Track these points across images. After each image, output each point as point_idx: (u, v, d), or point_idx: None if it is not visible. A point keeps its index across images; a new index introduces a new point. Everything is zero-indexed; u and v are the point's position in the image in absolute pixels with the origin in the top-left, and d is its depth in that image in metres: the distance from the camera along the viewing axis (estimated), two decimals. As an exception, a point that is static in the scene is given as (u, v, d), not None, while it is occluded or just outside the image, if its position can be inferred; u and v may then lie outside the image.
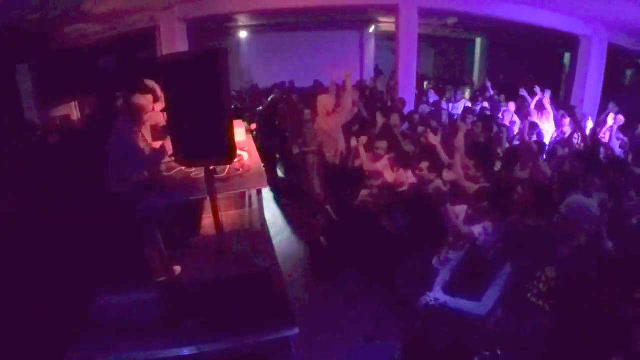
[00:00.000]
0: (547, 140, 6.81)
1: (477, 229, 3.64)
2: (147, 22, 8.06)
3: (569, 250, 2.72)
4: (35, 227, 4.61)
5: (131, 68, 9.81)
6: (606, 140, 6.44)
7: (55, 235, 4.59)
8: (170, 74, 2.86)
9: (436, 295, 3.29)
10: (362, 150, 5.69)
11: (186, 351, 2.60)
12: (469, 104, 9.38)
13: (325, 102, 5.98)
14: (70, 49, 8.11)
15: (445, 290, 3.34)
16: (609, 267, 2.76)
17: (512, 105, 7.93)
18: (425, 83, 11.47)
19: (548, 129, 7.21)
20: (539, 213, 3.56)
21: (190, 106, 2.83)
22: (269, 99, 9.92)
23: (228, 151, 2.90)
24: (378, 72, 12.72)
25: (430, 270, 3.73)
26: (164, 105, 4.81)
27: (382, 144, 5.55)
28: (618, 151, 6.16)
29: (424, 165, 4.46)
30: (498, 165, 5.31)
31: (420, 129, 6.54)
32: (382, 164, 5.43)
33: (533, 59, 12.09)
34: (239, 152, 3.93)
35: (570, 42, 9.19)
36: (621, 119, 6.74)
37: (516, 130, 7.10)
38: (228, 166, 3.95)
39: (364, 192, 5.29)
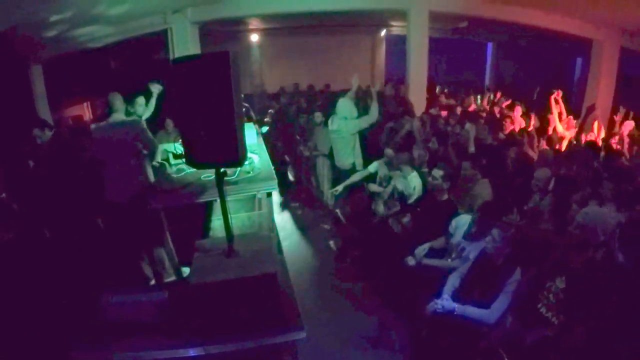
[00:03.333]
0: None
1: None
2: (160, 24, 8.11)
3: (582, 261, 2.69)
4: (44, 225, 4.65)
5: (143, 70, 9.91)
6: (622, 147, 6.34)
7: (64, 233, 4.63)
8: (181, 77, 2.88)
9: (444, 302, 3.27)
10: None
11: (192, 352, 2.61)
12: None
13: (346, 106, 5.98)
14: (83, 51, 8.19)
15: (454, 297, 3.33)
16: (620, 279, 2.71)
17: (518, 110, 7.85)
18: (438, 88, 11.43)
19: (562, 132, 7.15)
20: (548, 220, 3.53)
21: (201, 108, 2.84)
22: (281, 101, 9.99)
23: (238, 154, 2.90)
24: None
25: (437, 275, 3.71)
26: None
27: (388, 152, 5.56)
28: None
29: (438, 173, 4.40)
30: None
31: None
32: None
33: (545, 64, 12.01)
34: (249, 154, 3.94)
35: (582, 46, 9.12)
36: (631, 124, 6.66)
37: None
38: (238, 169, 3.96)
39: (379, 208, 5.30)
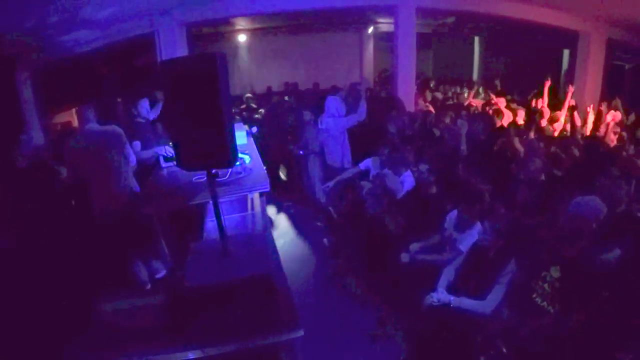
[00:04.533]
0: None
1: (477, 228, 3.65)
2: (147, 27, 8.05)
3: (575, 250, 2.71)
4: (36, 233, 4.62)
5: (130, 74, 9.85)
6: (603, 134, 6.41)
7: (60, 238, 4.59)
8: (169, 79, 2.86)
9: (440, 295, 3.29)
10: None
11: (191, 355, 2.60)
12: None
13: (335, 104, 6.02)
14: (69, 56, 8.11)
15: (449, 290, 3.34)
16: (614, 268, 2.74)
17: (502, 101, 7.90)
18: (432, 83, 11.46)
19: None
20: (539, 210, 3.56)
21: (190, 110, 2.83)
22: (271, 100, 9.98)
23: (229, 155, 2.90)
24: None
25: (432, 269, 3.73)
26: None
27: (382, 150, 5.57)
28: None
29: (423, 167, 4.45)
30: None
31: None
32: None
33: (532, 56, 12.08)
34: (240, 155, 3.94)
35: (569, 38, 9.18)
36: (618, 115, 6.72)
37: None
38: (230, 170, 3.95)
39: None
